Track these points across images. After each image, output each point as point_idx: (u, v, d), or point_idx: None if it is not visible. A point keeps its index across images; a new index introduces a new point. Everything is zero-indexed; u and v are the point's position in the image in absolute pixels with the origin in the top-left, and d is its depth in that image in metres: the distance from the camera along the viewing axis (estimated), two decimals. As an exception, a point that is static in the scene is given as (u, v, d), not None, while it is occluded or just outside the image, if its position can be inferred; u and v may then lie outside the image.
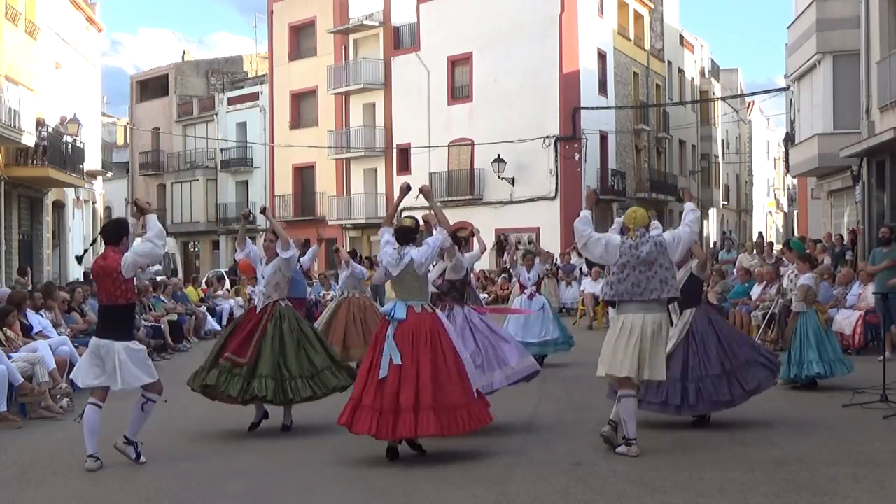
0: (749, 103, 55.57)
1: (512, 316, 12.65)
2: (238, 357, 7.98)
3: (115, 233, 7.17)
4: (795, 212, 48.42)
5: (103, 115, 41.76)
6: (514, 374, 8.25)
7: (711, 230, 46.77)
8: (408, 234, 7.44)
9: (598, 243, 7.21)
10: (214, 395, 8.21)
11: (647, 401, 7.92)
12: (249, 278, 22.18)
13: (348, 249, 18.67)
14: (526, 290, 13.07)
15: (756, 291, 16.19)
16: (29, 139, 21.80)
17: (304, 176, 40.27)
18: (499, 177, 32.27)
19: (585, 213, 7.36)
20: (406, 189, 7.70)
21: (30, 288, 14.65)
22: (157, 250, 7.12)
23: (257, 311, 8.37)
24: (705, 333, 8.07)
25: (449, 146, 34.51)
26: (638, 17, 38.63)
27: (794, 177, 37.39)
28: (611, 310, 11.98)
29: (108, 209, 43.41)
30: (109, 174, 36.54)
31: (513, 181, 32.37)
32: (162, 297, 17.59)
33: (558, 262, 25.64)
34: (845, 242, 19.48)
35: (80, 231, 30.34)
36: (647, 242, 7.15)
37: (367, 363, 7.13)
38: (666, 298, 7.18)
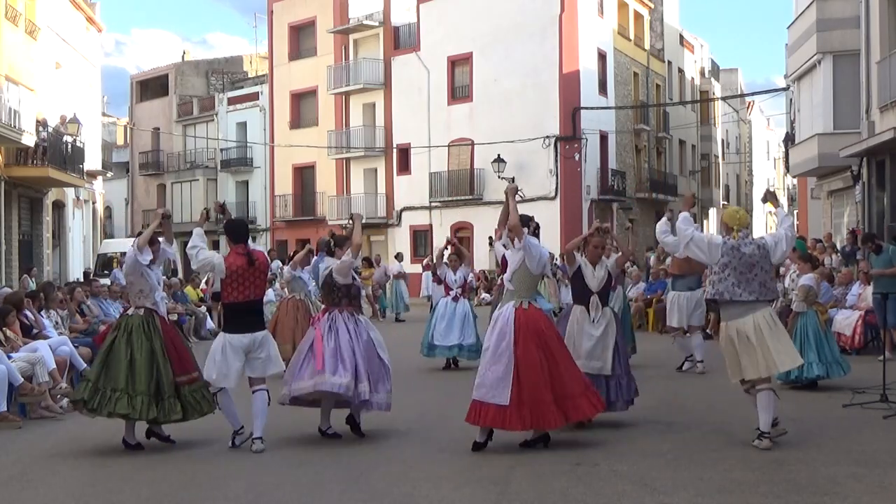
0: (749, 103, 55.57)
1: (439, 318, 12.87)
2: (192, 373, 7.68)
3: (247, 231, 7.71)
4: (795, 212, 48.39)
5: (103, 115, 41.76)
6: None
7: (712, 231, 46.77)
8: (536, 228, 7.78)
9: (703, 241, 7.28)
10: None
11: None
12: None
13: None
14: (452, 292, 13.09)
15: (756, 291, 16.16)
16: (29, 139, 21.79)
17: (304, 176, 40.27)
18: (499, 177, 32.24)
19: (685, 214, 7.49)
20: (516, 190, 7.72)
21: (33, 288, 14.66)
22: None
23: (167, 321, 7.94)
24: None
25: (449, 146, 34.51)
26: (638, 17, 38.63)
27: (794, 177, 37.36)
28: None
29: (108, 209, 43.43)
30: (109, 174, 36.54)
31: (513, 181, 32.32)
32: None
33: (557, 262, 25.62)
34: (854, 243, 19.44)
35: (80, 231, 30.34)
36: (750, 244, 7.22)
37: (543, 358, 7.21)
38: (765, 300, 7.22)
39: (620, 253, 8.82)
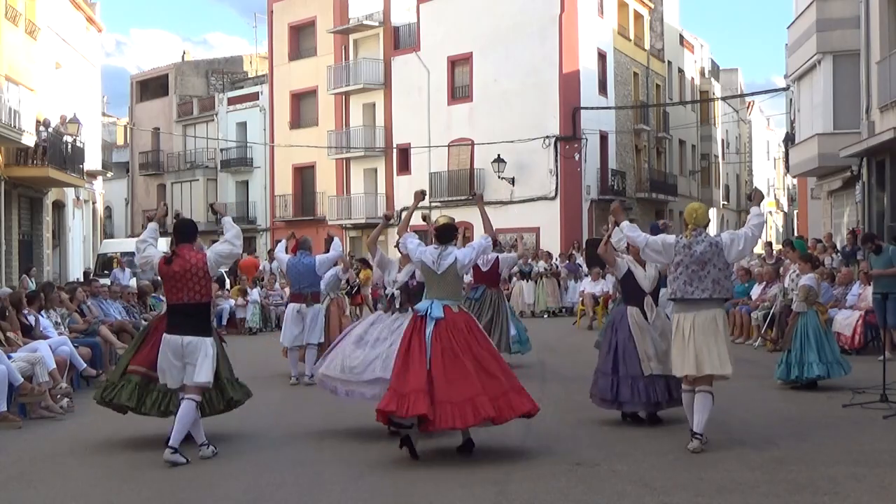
0: (749, 103, 55.55)
1: None
2: (151, 370, 7.58)
3: (192, 232, 7.43)
4: (795, 212, 48.44)
5: (103, 115, 41.75)
6: None
7: (712, 231, 46.63)
8: (451, 233, 7.50)
9: (657, 244, 7.29)
10: (123, 411, 7.92)
11: (621, 400, 8.09)
12: (249, 278, 22.24)
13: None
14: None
15: (756, 291, 16.20)
16: (29, 139, 21.79)
17: (304, 176, 40.27)
18: (499, 177, 32.28)
19: (626, 223, 7.53)
20: (422, 196, 7.88)
21: (33, 288, 14.64)
22: (235, 250, 7.46)
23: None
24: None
25: (449, 146, 34.50)
26: (638, 17, 38.62)
27: (794, 177, 37.38)
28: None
29: (108, 209, 43.42)
30: (109, 174, 36.53)
31: (513, 181, 32.37)
32: (162, 297, 17.50)
33: (557, 263, 25.62)
34: (854, 243, 19.43)
35: (80, 231, 30.34)
36: (703, 242, 7.19)
37: (402, 357, 7.07)
38: (719, 298, 7.20)
39: None
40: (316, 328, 11.68)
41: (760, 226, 7.39)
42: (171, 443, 6.97)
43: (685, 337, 7.11)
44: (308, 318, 11.60)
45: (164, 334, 7.19)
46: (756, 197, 7.70)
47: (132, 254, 23.30)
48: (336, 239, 12.27)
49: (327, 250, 12.14)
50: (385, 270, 8.34)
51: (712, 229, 46.51)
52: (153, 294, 17.09)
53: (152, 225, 7.57)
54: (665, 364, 7.91)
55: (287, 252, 12.19)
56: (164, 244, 8.00)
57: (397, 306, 8.00)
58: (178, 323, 7.15)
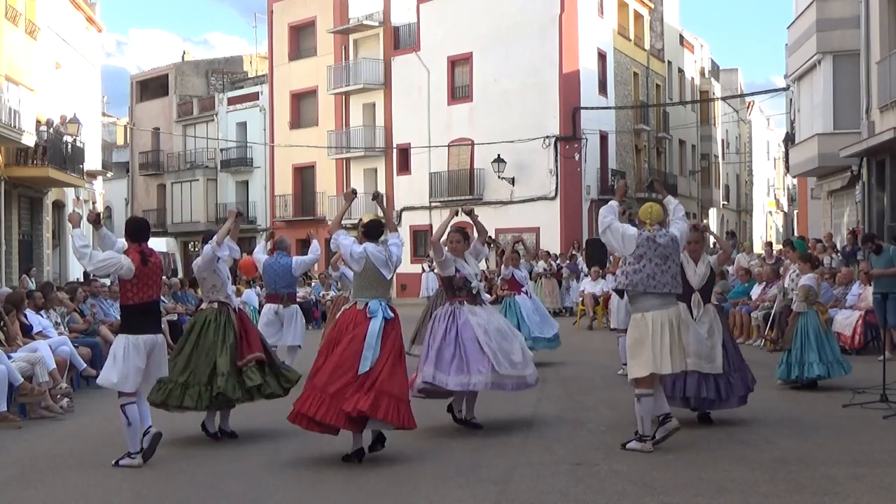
0: (749, 103, 55.55)
1: (530, 313, 12.71)
2: (259, 353, 7.89)
3: (148, 231, 7.54)
4: (795, 212, 48.42)
5: (103, 115, 41.73)
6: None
7: (713, 230, 46.65)
8: (380, 229, 7.43)
9: (618, 232, 7.27)
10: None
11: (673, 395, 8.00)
12: (249, 278, 22.20)
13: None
14: (524, 288, 13.00)
15: (756, 291, 16.20)
16: (29, 139, 21.78)
17: (304, 176, 40.28)
18: (499, 177, 32.27)
19: (613, 203, 7.46)
20: (353, 195, 7.80)
21: (33, 288, 14.64)
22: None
23: (238, 311, 8.17)
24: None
25: (449, 146, 34.50)
26: (638, 17, 38.62)
27: (794, 177, 37.37)
28: (613, 309, 12.01)
29: (108, 209, 43.40)
30: (109, 174, 36.51)
31: (513, 181, 32.36)
32: (162, 298, 17.46)
33: (558, 263, 25.61)
34: (854, 243, 19.40)
35: (79, 231, 30.30)
36: (665, 236, 7.23)
37: (325, 354, 7.02)
38: (676, 293, 7.22)
39: (721, 251, 8.86)
40: (294, 330, 11.58)
41: (682, 208, 7.59)
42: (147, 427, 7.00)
43: (664, 334, 7.04)
44: (285, 319, 11.54)
45: (134, 336, 6.99)
46: (658, 186, 7.91)
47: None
48: (314, 241, 12.11)
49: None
50: (444, 269, 8.20)
51: (713, 229, 46.38)
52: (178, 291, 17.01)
53: (78, 231, 7.42)
54: (705, 364, 7.88)
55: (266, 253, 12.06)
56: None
57: (485, 298, 8.20)
58: (151, 322, 7.16)
